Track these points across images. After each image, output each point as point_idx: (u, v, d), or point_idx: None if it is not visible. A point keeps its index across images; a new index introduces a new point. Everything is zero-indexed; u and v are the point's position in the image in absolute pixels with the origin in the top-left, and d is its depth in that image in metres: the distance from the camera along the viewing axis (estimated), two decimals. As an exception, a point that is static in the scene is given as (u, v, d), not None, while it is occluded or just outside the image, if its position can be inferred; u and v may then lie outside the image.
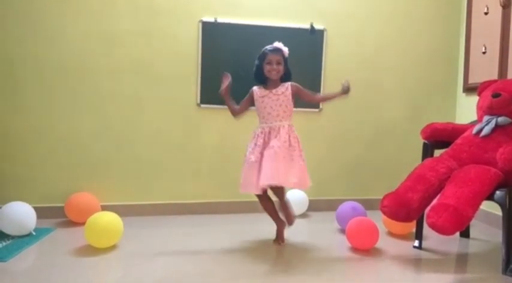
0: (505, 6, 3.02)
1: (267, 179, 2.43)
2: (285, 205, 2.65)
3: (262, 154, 2.50)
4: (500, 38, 3.06)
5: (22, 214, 2.61)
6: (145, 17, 3.11)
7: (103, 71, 3.08)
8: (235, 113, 2.68)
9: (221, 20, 3.18)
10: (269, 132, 2.56)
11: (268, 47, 2.61)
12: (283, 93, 2.58)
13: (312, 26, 3.31)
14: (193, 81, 3.20)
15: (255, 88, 2.67)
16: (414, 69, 3.55)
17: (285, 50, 2.63)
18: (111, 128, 3.13)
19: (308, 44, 3.31)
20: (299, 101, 2.72)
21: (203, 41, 3.17)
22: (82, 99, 3.07)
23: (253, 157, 2.51)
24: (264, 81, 2.64)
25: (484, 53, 3.25)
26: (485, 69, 3.21)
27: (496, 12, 3.11)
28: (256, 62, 2.63)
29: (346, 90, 2.57)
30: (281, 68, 2.59)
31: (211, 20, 3.17)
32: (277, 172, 2.43)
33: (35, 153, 3.04)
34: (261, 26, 3.23)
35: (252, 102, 2.67)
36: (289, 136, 2.55)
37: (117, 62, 3.09)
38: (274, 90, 2.59)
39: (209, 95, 3.20)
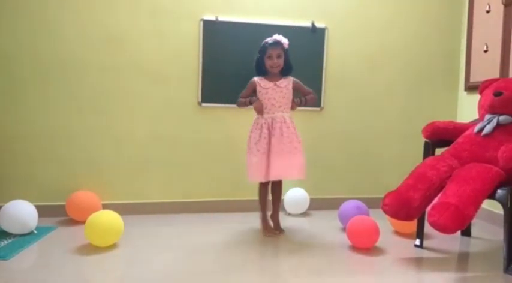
0: (507, 4, 3.01)
1: (277, 175, 2.67)
2: (277, 210, 2.86)
3: (268, 145, 2.67)
4: (502, 36, 3.04)
5: (23, 212, 2.62)
6: (146, 16, 3.10)
7: (103, 70, 3.08)
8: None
9: (222, 18, 3.18)
10: (272, 122, 2.69)
11: (269, 39, 2.70)
12: (286, 86, 2.71)
13: (313, 25, 3.30)
14: (194, 80, 3.20)
15: (256, 79, 2.75)
16: (415, 67, 3.54)
17: (285, 41, 2.72)
18: (112, 127, 3.13)
19: (309, 43, 3.31)
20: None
21: (204, 39, 3.16)
22: (82, 97, 3.07)
23: (261, 150, 2.67)
24: (264, 72, 2.73)
25: (485, 51, 3.24)
26: (487, 68, 3.20)
27: (498, 10, 3.10)
28: (257, 55, 2.71)
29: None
30: (281, 61, 2.69)
31: (213, 18, 3.17)
32: (284, 168, 2.65)
33: (36, 151, 3.04)
34: (262, 24, 3.22)
35: (253, 93, 2.76)
36: (290, 129, 2.70)
37: (117, 60, 3.09)
38: (278, 82, 2.71)
39: (210, 93, 3.20)
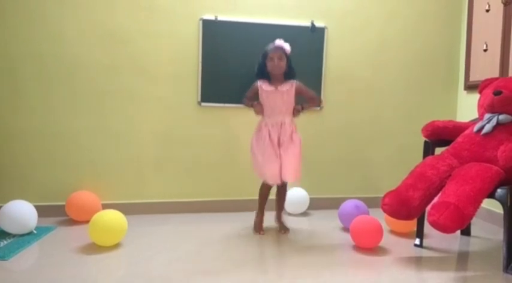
0: (506, 3, 3.01)
1: (289, 177, 2.70)
2: (281, 213, 2.94)
3: (268, 148, 2.68)
4: (501, 35, 3.04)
5: (23, 212, 2.61)
6: (146, 15, 3.10)
7: (103, 70, 3.07)
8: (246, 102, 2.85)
9: (222, 18, 3.18)
10: (271, 127, 2.70)
11: (270, 45, 2.72)
12: (287, 91, 2.71)
13: (312, 24, 3.30)
14: (193, 79, 3.20)
15: (259, 82, 2.76)
16: (415, 67, 3.54)
17: (287, 47, 2.73)
18: (111, 127, 3.13)
19: (309, 42, 3.30)
20: (299, 99, 2.84)
21: (204, 39, 3.16)
22: (82, 97, 3.07)
23: (260, 151, 2.70)
24: (266, 77, 2.75)
25: (485, 50, 3.24)
26: (487, 67, 3.20)
27: (498, 9, 3.10)
28: (259, 59, 2.74)
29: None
30: (283, 63, 2.69)
31: (212, 18, 3.17)
32: (292, 170, 2.70)
33: (35, 151, 3.04)
34: (262, 23, 3.22)
35: (256, 95, 2.77)
36: (292, 133, 2.72)
37: (117, 60, 3.09)
38: (279, 87, 2.72)
39: (210, 93, 3.20)
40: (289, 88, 2.72)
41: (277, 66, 2.67)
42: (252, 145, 2.78)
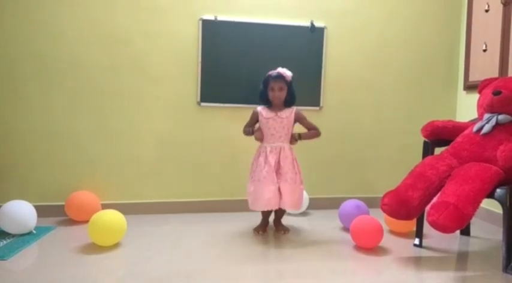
0: (505, 4, 3.02)
1: (288, 205, 2.72)
2: (280, 220, 2.93)
3: (265, 174, 2.67)
4: (501, 35, 3.05)
5: (23, 212, 2.61)
6: (145, 15, 3.10)
7: (103, 70, 3.07)
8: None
9: (221, 18, 3.18)
10: (270, 152, 2.71)
11: (272, 72, 2.72)
12: (287, 117, 2.73)
13: (312, 24, 3.30)
14: (193, 79, 3.20)
15: (259, 108, 2.79)
16: (415, 67, 3.54)
17: (288, 75, 2.72)
18: (111, 127, 3.13)
19: (308, 42, 3.30)
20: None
21: (203, 39, 3.16)
22: (82, 97, 3.07)
23: (256, 178, 2.70)
24: (267, 103, 2.79)
25: (484, 50, 3.24)
26: (486, 67, 3.20)
27: (497, 9, 3.10)
28: (261, 86, 2.76)
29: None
30: (283, 93, 2.72)
31: (212, 18, 3.17)
32: (291, 199, 2.71)
33: (35, 151, 3.04)
34: (261, 23, 3.22)
35: (256, 122, 2.82)
36: (293, 160, 2.74)
37: (117, 60, 3.09)
38: (279, 113, 2.74)
39: (209, 93, 3.20)
40: (288, 114, 2.74)
41: (277, 97, 2.71)
42: (251, 169, 2.79)
